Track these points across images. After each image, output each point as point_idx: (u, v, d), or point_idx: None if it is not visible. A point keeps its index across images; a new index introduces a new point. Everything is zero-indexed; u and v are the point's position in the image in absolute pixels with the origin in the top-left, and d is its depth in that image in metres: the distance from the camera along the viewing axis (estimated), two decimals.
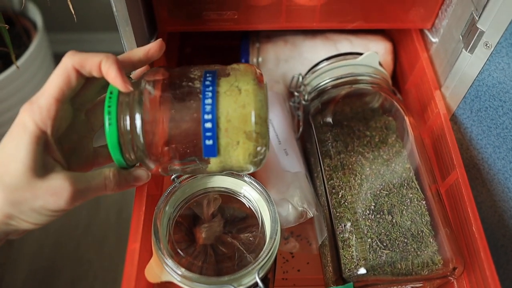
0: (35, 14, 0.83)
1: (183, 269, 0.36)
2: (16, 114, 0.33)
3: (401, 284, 0.42)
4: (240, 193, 0.42)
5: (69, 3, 0.46)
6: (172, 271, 0.37)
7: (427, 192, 0.45)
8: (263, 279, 0.40)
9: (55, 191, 0.32)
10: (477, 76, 0.45)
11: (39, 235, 0.91)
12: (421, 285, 0.43)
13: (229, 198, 0.43)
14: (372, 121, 0.51)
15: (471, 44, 0.44)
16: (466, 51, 0.45)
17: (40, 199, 0.32)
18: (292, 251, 0.51)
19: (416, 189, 0.46)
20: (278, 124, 0.51)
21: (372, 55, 0.50)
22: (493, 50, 0.42)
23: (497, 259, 0.55)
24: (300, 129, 0.51)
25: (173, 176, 0.41)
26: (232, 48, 0.68)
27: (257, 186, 0.41)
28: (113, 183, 0.36)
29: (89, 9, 1.11)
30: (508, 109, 0.44)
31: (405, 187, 0.46)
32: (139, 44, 0.45)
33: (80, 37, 1.21)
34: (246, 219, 0.45)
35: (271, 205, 0.40)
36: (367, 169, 0.47)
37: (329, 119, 0.49)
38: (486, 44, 0.42)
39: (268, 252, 0.37)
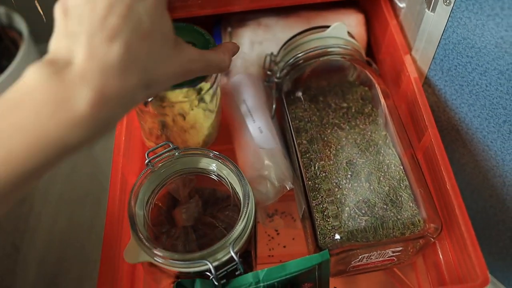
0: (21, 25, 0.85)
1: (158, 248, 0.37)
2: None
3: (379, 248, 0.42)
4: (212, 171, 0.43)
5: (37, 4, 0.47)
6: (148, 250, 0.37)
7: (403, 157, 0.45)
8: (242, 254, 0.40)
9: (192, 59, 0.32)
10: (442, 35, 0.45)
11: (45, 239, 0.93)
12: (401, 248, 0.43)
13: (203, 178, 0.44)
14: (349, 93, 0.51)
15: (432, 3, 0.44)
16: (429, 10, 0.45)
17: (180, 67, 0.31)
18: (277, 229, 0.52)
19: (393, 155, 0.46)
20: (252, 103, 0.51)
21: (339, 26, 0.50)
22: (453, 6, 0.42)
23: (487, 221, 0.54)
24: (274, 106, 0.51)
25: (147, 160, 0.42)
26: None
27: (225, 160, 0.41)
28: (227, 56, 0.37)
29: None
30: (476, 65, 0.43)
31: (381, 154, 0.46)
32: None
33: None
34: (227, 199, 0.46)
35: (241, 178, 0.40)
36: (343, 139, 0.47)
37: (299, 94, 0.49)
38: (445, 1, 0.42)
39: (240, 225, 0.38)
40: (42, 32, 1.18)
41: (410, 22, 0.50)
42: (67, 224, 0.93)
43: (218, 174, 0.43)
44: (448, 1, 0.42)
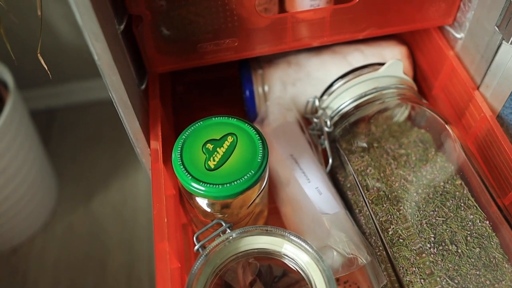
0: (4, 73, 0.76)
1: None
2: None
3: None
4: (279, 252, 0.35)
5: (40, 58, 0.39)
6: None
7: (489, 209, 0.39)
8: None
9: None
10: None
11: None
12: None
13: (265, 259, 0.36)
14: (403, 137, 0.45)
15: None
16: (508, 43, 0.39)
17: None
18: None
19: (475, 207, 0.39)
20: (303, 158, 0.44)
21: (396, 63, 0.44)
22: None
23: None
24: (330, 161, 0.44)
25: (196, 247, 0.34)
26: (228, 78, 0.62)
27: (302, 243, 0.33)
28: None
29: (61, 58, 1.04)
30: None
31: (462, 208, 0.39)
32: (130, 93, 0.38)
33: (57, 90, 1.15)
34: (286, 275, 0.38)
35: (321, 263, 0.33)
36: (414, 194, 0.41)
37: (363, 144, 0.42)
38: None
39: None
40: (26, 76, 1.08)
41: (474, 54, 0.44)
42: None
43: (285, 254, 0.35)
44: None
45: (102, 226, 0.92)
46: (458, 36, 0.46)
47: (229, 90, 0.61)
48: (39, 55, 0.39)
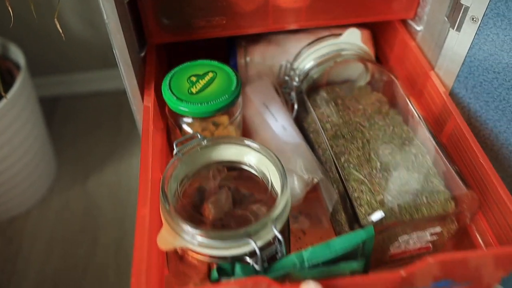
0: (18, 55, 0.82)
1: (197, 230, 0.34)
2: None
3: (417, 230, 0.41)
4: (243, 162, 0.42)
5: (56, 22, 0.46)
6: (185, 234, 0.35)
7: (429, 145, 0.45)
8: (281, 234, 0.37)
9: None
10: (467, 52, 0.46)
11: (36, 281, 0.86)
12: (439, 230, 0.42)
13: (233, 169, 0.43)
14: (363, 99, 0.52)
15: (457, 22, 0.45)
16: (454, 29, 0.46)
17: None
18: (303, 229, 0.50)
19: (418, 146, 0.45)
20: (272, 105, 0.52)
21: (354, 31, 0.53)
22: (480, 23, 0.43)
23: None
24: (295, 106, 0.52)
25: (175, 150, 0.41)
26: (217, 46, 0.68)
27: (257, 146, 0.40)
28: None
29: (67, 50, 1.11)
30: (503, 80, 0.44)
31: (407, 145, 0.46)
32: (131, 55, 0.44)
33: (65, 79, 1.21)
34: (251, 195, 0.43)
35: (275, 159, 0.39)
36: (367, 134, 0.47)
37: (324, 94, 0.50)
38: (473, 19, 0.43)
39: (281, 200, 0.36)
40: (37, 64, 1.15)
41: (430, 43, 0.51)
42: (59, 265, 0.87)
43: (250, 164, 0.42)
44: (475, 19, 0.43)
45: (97, 204, 0.97)
46: (418, 28, 0.53)
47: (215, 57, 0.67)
48: (56, 19, 0.46)
